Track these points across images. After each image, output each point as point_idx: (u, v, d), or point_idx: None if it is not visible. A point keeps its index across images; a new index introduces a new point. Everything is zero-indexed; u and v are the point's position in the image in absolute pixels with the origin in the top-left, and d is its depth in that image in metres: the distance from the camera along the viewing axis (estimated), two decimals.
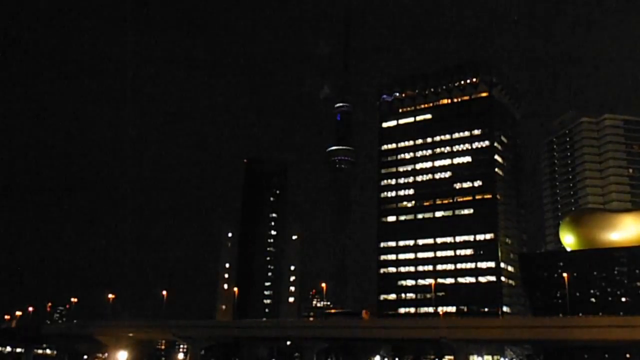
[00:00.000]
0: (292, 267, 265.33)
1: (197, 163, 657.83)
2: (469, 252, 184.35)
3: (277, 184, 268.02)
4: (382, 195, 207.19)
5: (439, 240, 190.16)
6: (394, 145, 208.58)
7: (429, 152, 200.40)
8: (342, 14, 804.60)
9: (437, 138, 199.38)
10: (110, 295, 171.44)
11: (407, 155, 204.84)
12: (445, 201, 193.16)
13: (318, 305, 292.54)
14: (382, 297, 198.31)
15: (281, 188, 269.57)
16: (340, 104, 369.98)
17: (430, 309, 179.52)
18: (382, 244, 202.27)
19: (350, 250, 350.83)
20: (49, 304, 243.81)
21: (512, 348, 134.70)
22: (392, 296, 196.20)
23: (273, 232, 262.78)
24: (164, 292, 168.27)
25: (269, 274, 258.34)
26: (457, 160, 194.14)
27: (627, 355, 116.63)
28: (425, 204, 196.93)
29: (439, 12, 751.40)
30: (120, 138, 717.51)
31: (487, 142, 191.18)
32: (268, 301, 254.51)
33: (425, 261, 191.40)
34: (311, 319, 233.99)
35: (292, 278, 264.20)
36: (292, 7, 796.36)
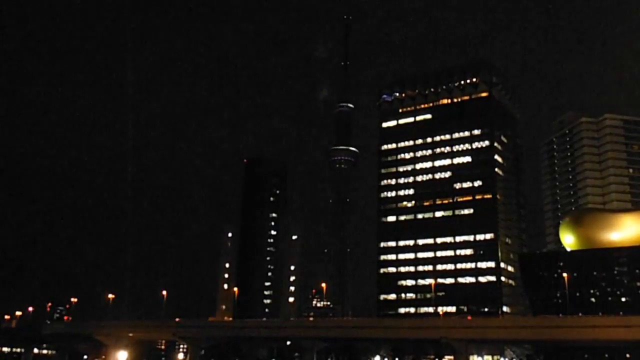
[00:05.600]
0: (292, 267, 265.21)
1: (197, 163, 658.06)
2: (469, 252, 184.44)
3: (277, 184, 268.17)
4: (382, 195, 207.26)
5: (439, 240, 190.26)
6: (394, 145, 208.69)
7: (429, 152, 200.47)
8: (342, 14, 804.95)
9: (437, 138, 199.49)
10: (110, 295, 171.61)
11: (407, 155, 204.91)
12: (445, 201, 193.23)
13: (318, 305, 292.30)
14: (382, 297, 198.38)
15: (281, 188, 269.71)
16: (340, 104, 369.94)
17: (430, 309, 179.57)
18: (382, 244, 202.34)
19: (350, 250, 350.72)
20: (49, 304, 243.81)
21: (512, 348, 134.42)
22: (392, 296, 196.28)
23: (273, 232, 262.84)
24: (164, 292, 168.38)
25: (269, 274, 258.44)
26: (457, 160, 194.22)
27: (627, 355, 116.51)
28: (425, 204, 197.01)
29: (439, 12, 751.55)
30: (120, 138, 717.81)
31: (487, 142, 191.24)
32: (268, 301, 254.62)
33: (425, 261, 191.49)
34: (311, 319, 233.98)
35: (292, 278, 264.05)
36: (291, 8, 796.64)
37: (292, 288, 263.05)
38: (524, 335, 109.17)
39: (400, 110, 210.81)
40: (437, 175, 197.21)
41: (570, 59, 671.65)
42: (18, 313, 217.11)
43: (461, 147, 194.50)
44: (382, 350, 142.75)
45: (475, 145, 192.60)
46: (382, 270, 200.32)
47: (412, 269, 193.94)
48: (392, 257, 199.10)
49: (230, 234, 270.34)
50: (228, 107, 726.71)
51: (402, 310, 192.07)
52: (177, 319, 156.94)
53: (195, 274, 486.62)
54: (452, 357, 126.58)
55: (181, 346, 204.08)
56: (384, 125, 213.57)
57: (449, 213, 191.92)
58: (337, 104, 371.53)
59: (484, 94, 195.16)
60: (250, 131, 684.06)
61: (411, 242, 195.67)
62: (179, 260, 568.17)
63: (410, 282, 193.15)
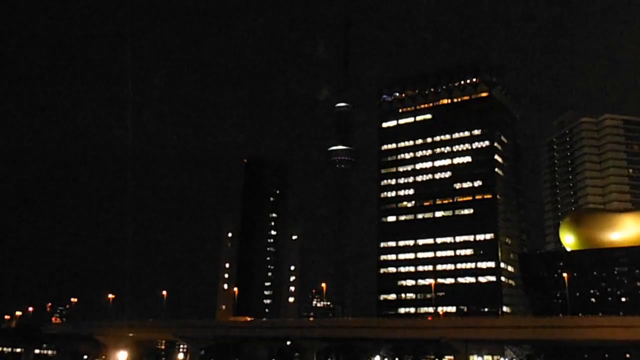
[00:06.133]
0: (292, 267, 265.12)
1: (197, 163, 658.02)
2: (469, 252, 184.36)
3: (277, 184, 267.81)
4: (382, 195, 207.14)
5: (439, 240, 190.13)
6: (394, 145, 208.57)
7: (429, 152, 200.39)
8: (342, 14, 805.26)
9: (437, 138, 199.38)
10: (110, 295, 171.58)
11: (407, 155, 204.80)
12: (445, 201, 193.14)
13: (318, 305, 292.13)
14: (382, 297, 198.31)
15: (281, 188, 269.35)
16: (340, 104, 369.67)
17: (430, 309, 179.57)
18: (382, 244, 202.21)
19: (350, 250, 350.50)
20: (49, 304, 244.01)
21: (512, 348, 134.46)
22: (392, 296, 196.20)
23: (273, 232, 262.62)
24: (164, 292, 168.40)
25: (269, 274, 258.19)
26: (457, 160, 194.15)
27: (627, 355, 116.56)
28: (425, 204, 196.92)
29: (439, 12, 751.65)
30: (121, 138, 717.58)
31: (487, 142, 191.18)
32: (268, 301, 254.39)
33: (425, 261, 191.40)
34: (311, 319, 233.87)
35: (292, 278, 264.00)
36: (291, 9, 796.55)
37: (292, 288, 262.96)
38: (524, 335, 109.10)
39: (400, 110, 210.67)
40: (437, 175, 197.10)
41: (570, 59, 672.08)
42: (18, 313, 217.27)
43: (461, 147, 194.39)
44: (382, 350, 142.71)
45: (475, 145, 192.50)
46: (382, 270, 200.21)
47: (412, 269, 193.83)
48: (392, 257, 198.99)
49: (230, 234, 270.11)
50: (228, 107, 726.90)
51: (402, 310, 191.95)
52: (175, 319, 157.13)
53: (195, 274, 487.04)
54: (452, 357, 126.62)
55: (181, 346, 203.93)
56: (384, 125, 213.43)
57: (449, 213, 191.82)
58: (337, 104, 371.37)
59: (484, 94, 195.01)
60: (250, 131, 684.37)
61: (411, 242, 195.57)
62: (179, 260, 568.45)
63: (410, 282, 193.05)
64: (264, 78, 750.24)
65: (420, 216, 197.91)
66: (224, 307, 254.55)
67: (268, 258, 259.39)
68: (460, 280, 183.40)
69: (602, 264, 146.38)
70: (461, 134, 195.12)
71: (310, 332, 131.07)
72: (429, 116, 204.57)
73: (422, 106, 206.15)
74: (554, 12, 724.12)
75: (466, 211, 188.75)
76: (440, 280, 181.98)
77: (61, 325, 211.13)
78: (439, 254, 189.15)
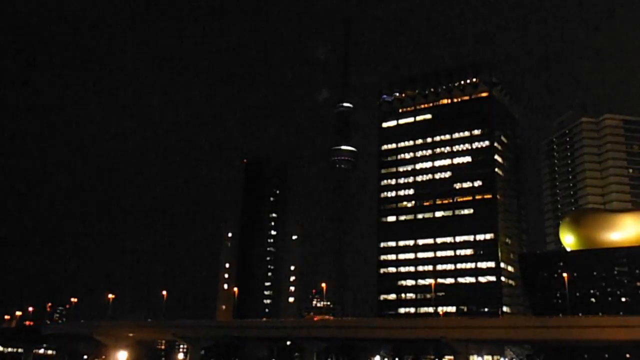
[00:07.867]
0: (292, 267, 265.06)
1: (197, 163, 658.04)
2: (469, 252, 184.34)
3: (277, 184, 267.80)
4: (382, 195, 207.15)
5: (439, 240, 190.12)
6: (394, 145, 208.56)
7: (429, 152, 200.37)
8: (342, 14, 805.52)
9: (437, 138, 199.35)
10: (110, 295, 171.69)
11: (407, 155, 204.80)
12: (445, 201, 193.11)
13: (318, 305, 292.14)
14: (382, 297, 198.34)
15: (281, 188, 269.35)
16: (340, 104, 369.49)
17: (430, 309, 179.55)
18: (382, 244, 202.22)
19: (350, 250, 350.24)
20: (49, 304, 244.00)
21: (512, 348, 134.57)
22: (392, 296, 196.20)
23: (273, 232, 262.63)
24: (164, 292, 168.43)
25: (269, 274, 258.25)
26: (457, 160, 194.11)
27: (627, 355, 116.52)
28: (425, 204, 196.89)
29: (439, 12, 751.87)
30: (121, 138, 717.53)
31: (487, 142, 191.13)
32: (268, 301, 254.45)
33: (425, 261, 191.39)
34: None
35: (292, 278, 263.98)
36: (291, 9, 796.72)
37: (292, 288, 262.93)
38: (524, 335, 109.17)
39: (400, 110, 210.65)
40: (437, 175, 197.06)
41: (570, 59, 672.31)
42: (18, 313, 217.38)
43: (461, 147, 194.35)
44: (382, 350, 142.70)
45: (475, 145, 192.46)
46: (382, 270, 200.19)
47: (412, 269, 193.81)
48: (392, 257, 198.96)
49: (230, 234, 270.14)
50: (228, 107, 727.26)
51: (402, 310, 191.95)
52: (175, 319, 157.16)
53: (195, 274, 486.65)
54: (452, 357, 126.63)
55: (181, 346, 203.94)
56: (384, 125, 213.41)
57: (449, 213, 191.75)
58: (337, 104, 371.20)
59: (484, 94, 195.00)
60: (250, 131, 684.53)
61: (411, 242, 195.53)
62: (179, 260, 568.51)
63: (410, 282, 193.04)
64: (264, 78, 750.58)
65: (420, 216, 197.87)
66: (224, 307, 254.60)
67: (268, 258, 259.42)
68: (460, 280, 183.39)
69: (602, 264, 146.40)
70: (461, 134, 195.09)
71: (310, 332, 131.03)
72: (429, 116, 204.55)
73: (422, 106, 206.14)
74: (554, 12, 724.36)
75: (466, 211, 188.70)
76: (440, 280, 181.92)
77: (61, 325, 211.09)
78: (439, 254, 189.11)
